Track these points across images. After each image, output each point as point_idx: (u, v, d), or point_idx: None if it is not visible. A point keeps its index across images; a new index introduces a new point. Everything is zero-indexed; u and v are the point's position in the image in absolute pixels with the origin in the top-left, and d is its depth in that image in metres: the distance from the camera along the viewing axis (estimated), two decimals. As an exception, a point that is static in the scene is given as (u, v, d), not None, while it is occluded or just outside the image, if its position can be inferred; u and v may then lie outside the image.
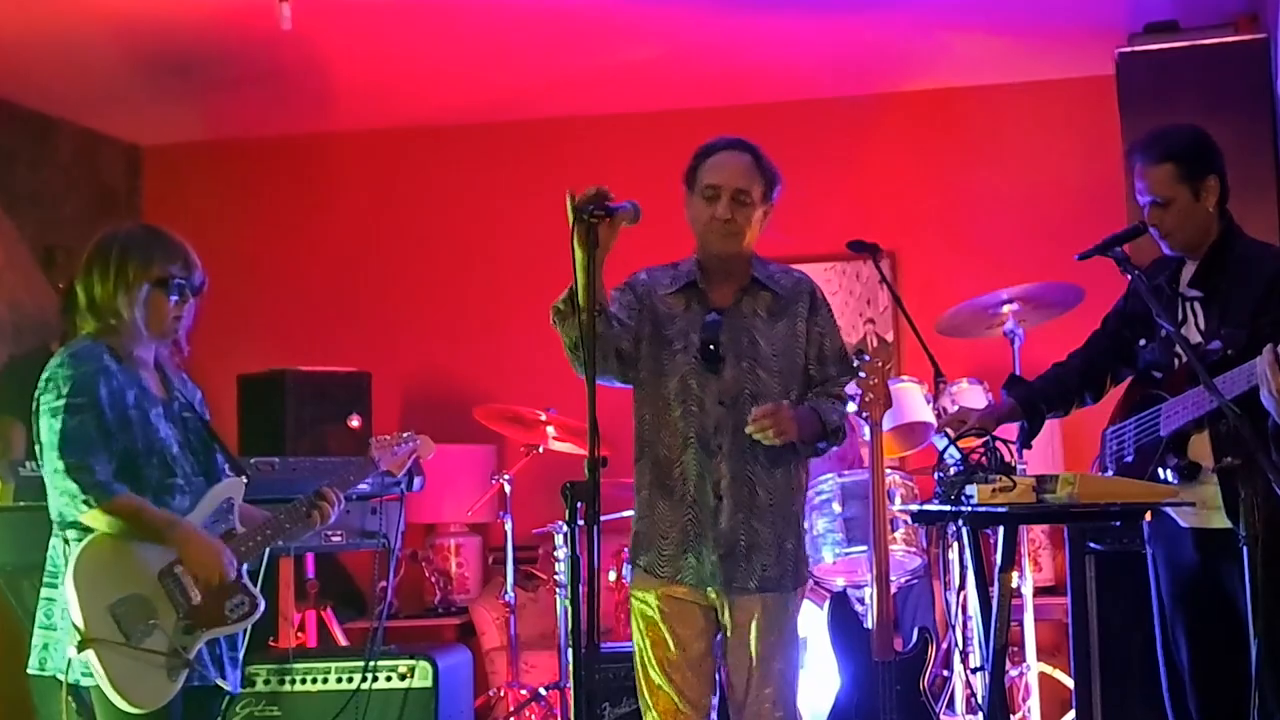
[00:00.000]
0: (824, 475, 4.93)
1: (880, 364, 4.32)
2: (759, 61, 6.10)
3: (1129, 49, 4.98)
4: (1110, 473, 3.44)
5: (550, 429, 5.44)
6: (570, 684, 5.10)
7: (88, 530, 3.09)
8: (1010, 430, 3.66)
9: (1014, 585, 4.30)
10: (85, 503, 3.01)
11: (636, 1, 5.52)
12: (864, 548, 4.71)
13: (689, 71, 6.15)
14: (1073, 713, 4.47)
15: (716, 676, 3.39)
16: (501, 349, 6.77)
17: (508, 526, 5.52)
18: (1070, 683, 5.01)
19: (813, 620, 4.43)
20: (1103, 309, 5.04)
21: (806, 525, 3.85)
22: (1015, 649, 5.00)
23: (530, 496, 5.77)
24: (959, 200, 6.56)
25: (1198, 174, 3.34)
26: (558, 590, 5.30)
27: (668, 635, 3.32)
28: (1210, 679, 3.40)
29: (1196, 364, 3.11)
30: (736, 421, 3.27)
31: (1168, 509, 3.40)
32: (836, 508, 4.83)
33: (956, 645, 4.92)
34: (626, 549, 3.49)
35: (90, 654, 2.99)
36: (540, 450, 5.53)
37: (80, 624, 3.00)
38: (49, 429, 3.06)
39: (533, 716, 5.47)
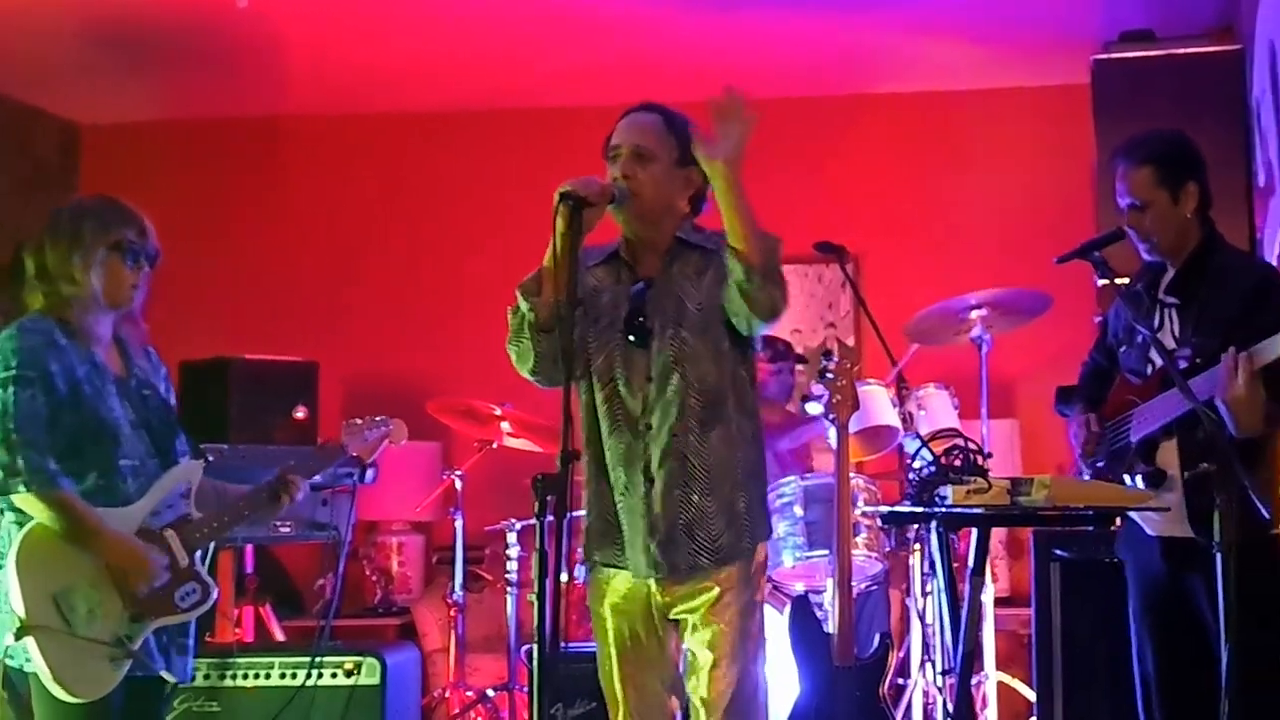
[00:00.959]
0: (786, 478, 4.94)
1: (848, 365, 4.37)
2: (729, 59, 6.11)
3: (1104, 56, 5.05)
4: (1086, 476, 3.47)
5: (505, 424, 5.40)
6: (519, 686, 5.16)
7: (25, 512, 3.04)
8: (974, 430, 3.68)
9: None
10: (25, 484, 2.96)
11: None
12: (825, 552, 4.72)
13: (660, 67, 6.15)
14: (1035, 720, 4.50)
15: (678, 668, 3.33)
16: (453, 343, 6.72)
17: (458, 524, 5.47)
18: (1029, 693, 5.09)
19: (773, 624, 4.45)
20: (1071, 318, 5.14)
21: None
22: (971, 658, 5.03)
23: (480, 494, 5.74)
24: (926, 205, 6.62)
25: (1177, 178, 3.37)
26: (508, 590, 5.26)
27: (624, 629, 3.23)
28: (1177, 689, 3.43)
29: (1171, 366, 3.15)
30: (664, 396, 3.15)
31: (1135, 516, 3.44)
32: (798, 511, 4.84)
33: (915, 652, 4.97)
34: (580, 548, 3.37)
35: (30, 641, 2.94)
36: (494, 446, 5.49)
37: (21, 610, 2.95)
38: None
39: (479, 718, 5.44)
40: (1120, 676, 3.62)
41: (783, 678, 4.30)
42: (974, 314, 4.86)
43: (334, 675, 4.06)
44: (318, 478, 4.16)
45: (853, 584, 4.32)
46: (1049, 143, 6.34)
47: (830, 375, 4.31)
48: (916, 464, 3.51)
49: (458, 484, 5.51)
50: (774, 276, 3.06)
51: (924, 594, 4.95)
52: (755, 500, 3.23)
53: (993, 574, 5.62)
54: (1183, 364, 3.24)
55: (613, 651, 3.25)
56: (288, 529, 4.37)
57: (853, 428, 4.38)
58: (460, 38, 6.11)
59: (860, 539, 4.73)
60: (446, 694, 5.41)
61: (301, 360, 5.59)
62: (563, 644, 2.84)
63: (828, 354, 4.38)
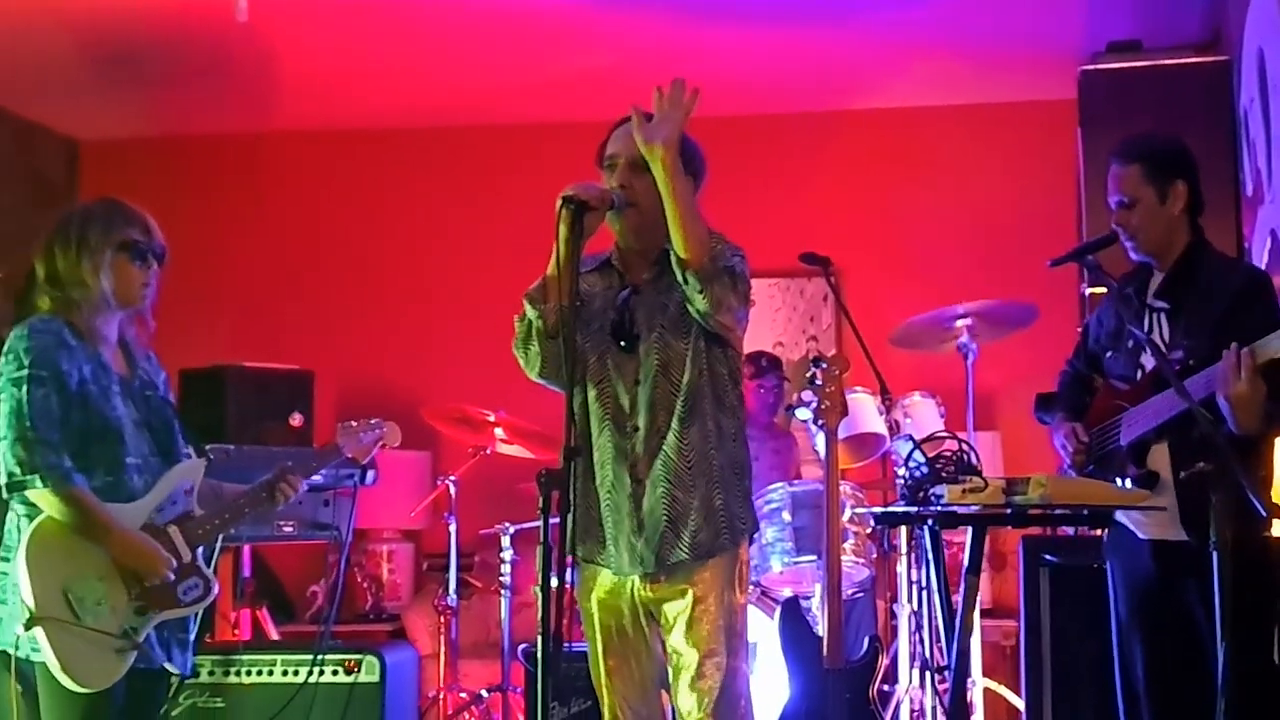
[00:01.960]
0: (774, 484, 4.90)
1: (836, 372, 4.32)
2: (711, 74, 5.98)
3: (1091, 66, 5.02)
4: (1073, 480, 3.42)
5: (499, 430, 5.34)
6: (512, 687, 5.08)
7: (36, 506, 3.01)
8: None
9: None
10: (42, 479, 2.95)
11: (590, 8, 5.49)
12: (813, 557, 4.68)
13: (639, 82, 6.09)
14: (1022, 725, 4.45)
15: (662, 666, 3.27)
16: (446, 351, 6.75)
17: (452, 528, 5.41)
18: (1015, 699, 5.03)
19: (762, 628, 4.39)
20: (1055, 330, 5.11)
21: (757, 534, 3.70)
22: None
23: (472, 501, 5.67)
24: (907, 221, 6.62)
25: (1165, 177, 3.33)
26: (502, 592, 5.19)
27: (610, 622, 3.20)
28: (1165, 693, 3.37)
29: (1166, 367, 3.10)
30: (651, 399, 3.14)
31: (1125, 521, 3.39)
32: (786, 517, 4.79)
33: (902, 656, 4.91)
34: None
35: (39, 632, 2.92)
36: (488, 452, 5.43)
37: (30, 602, 2.94)
38: (9, 398, 3.00)
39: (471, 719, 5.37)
40: (1109, 682, 3.55)
41: (773, 681, 4.24)
42: (960, 323, 4.82)
43: (335, 673, 4.04)
44: (318, 478, 4.15)
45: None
46: (1031, 159, 6.35)
47: (819, 382, 4.27)
48: (909, 466, 3.45)
49: (451, 489, 5.44)
50: (713, 274, 3.02)
51: (909, 601, 4.90)
52: (735, 498, 3.19)
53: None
54: (1175, 365, 3.19)
55: (599, 645, 3.21)
56: (291, 528, 4.34)
57: (840, 435, 4.34)
58: (450, 55, 6.12)
59: (848, 545, 4.69)
60: (441, 695, 5.34)
61: (298, 369, 5.54)
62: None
63: (817, 360, 4.34)
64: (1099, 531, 3.87)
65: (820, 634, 4.22)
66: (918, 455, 3.47)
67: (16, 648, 2.98)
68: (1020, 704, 4.58)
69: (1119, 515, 3.36)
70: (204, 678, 4.05)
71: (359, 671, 4.00)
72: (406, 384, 6.34)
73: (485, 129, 6.93)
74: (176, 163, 7.05)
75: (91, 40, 5.88)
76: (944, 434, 3.48)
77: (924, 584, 4.79)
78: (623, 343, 3.17)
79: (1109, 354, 3.50)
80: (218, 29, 5.68)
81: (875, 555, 5.01)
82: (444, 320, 6.86)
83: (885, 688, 4.91)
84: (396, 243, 7.04)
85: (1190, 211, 3.37)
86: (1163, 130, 3.63)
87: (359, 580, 6.47)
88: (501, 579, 5.24)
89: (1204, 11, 5.25)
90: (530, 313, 3.11)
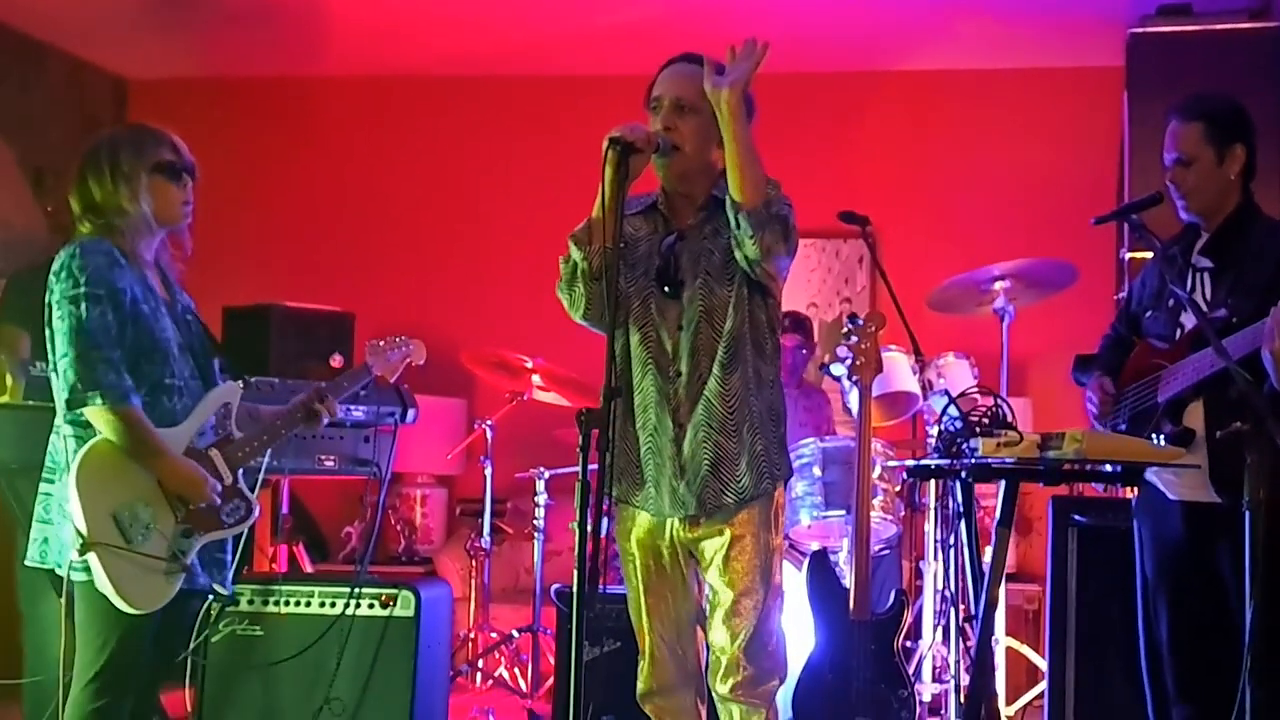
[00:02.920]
0: (805, 439, 4.88)
1: (873, 329, 4.30)
2: (759, 30, 5.96)
3: (1140, 29, 4.92)
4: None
5: (536, 377, 5.34)
6: (543, 629, 5.11)
7: (86, 428, 3.02)
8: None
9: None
10: (100, 396, 2.94)
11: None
12: (841, 512, 4.67)
13: (686, 35, 6.05)
14: (1043, 684, 4.43)
15: (699, 604, 3.28)
16: (484, 298, 6.77)
17: (487, 471, 5.42)
18: (1037, 659, 5.03)
19: (790, 579, 4.39)
20: (1095, 291, 5.05)
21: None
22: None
23: (506, 447, 5.69)
24: (946, 183, 6.56)
25: (1225, 138, 3.30)
26: (535, 535, 5.21)
27: (649, 561, 3.21)
28: (1190, 653, 3.36)
29: (1206, 325, 3.07)
30: (694, 344, 3.13)
31: (1155, 481, 3.37)
32: (816, 471, 4.78)
33: (927, 614, 4.90)
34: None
35: (92, 556, 2.94)
36: (525, 398, 5.43)
37: (83, 527, 2.94)
38: (68, 315, 2.98)
39: (501, 659, 5.40)
40: (1133, 642, 3.54)
41: (799, 631, 4.24)
42: (998, 285, 4.76)
43: (370, 606, 4.04)
44: (360, 414, 4.18)
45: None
46: (1074, 124, 6.28)
47: (855, 338, 4.25)
48: (943, 420, 3.42)
49: (488, 434, 5.45)
50: (766, 219, 3.01)
51: (935, 559, 4.89)
52: (773, 442, 3.20)
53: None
54: (1218, 324, 3.16)
55: (639, 583, 3.23)
56: (332, 463, 4.35)
57: (874, 392, 4.32)
58: (500, 3, 6.06)
59: (877, 501, 4.68)
60: (472, 635, 5.37)
61: (339, 310, 5.55)
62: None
63: (853, 317, 4.32)
64: (1129, 492, 3.86)
65: (847, 586, 4.23)
66: (952, 409, 3.45)
67: (72, 568, 2.99)
68: (1043, 664, 4.58)
69: (1150, 475, 3.34)
70: (243, 606, 4.07)
71: (394, 605, 4.00)
72: (445, 329, 6.31)
73: (531, 79, 6.91)
74: (224, 103, 7.05)
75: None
76: (980, 389, 3.44)
77: (951, 541, 4.77)
78: (667, 288, 3.16)
79: (1149, 313, 3.48)
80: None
81: (903, 513, 5.00)
82: (484, 267, 6.88)
83: (908, 644, 4.91)
84: (439, 189, 7.05)
85: (1244, 175, 3.34)
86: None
87: (392, 523, 6.50)
88: (535, 523, 5.25)
89: (1257, -26, 5.15)
90: (575, 254, 3.10)
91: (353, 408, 4.25)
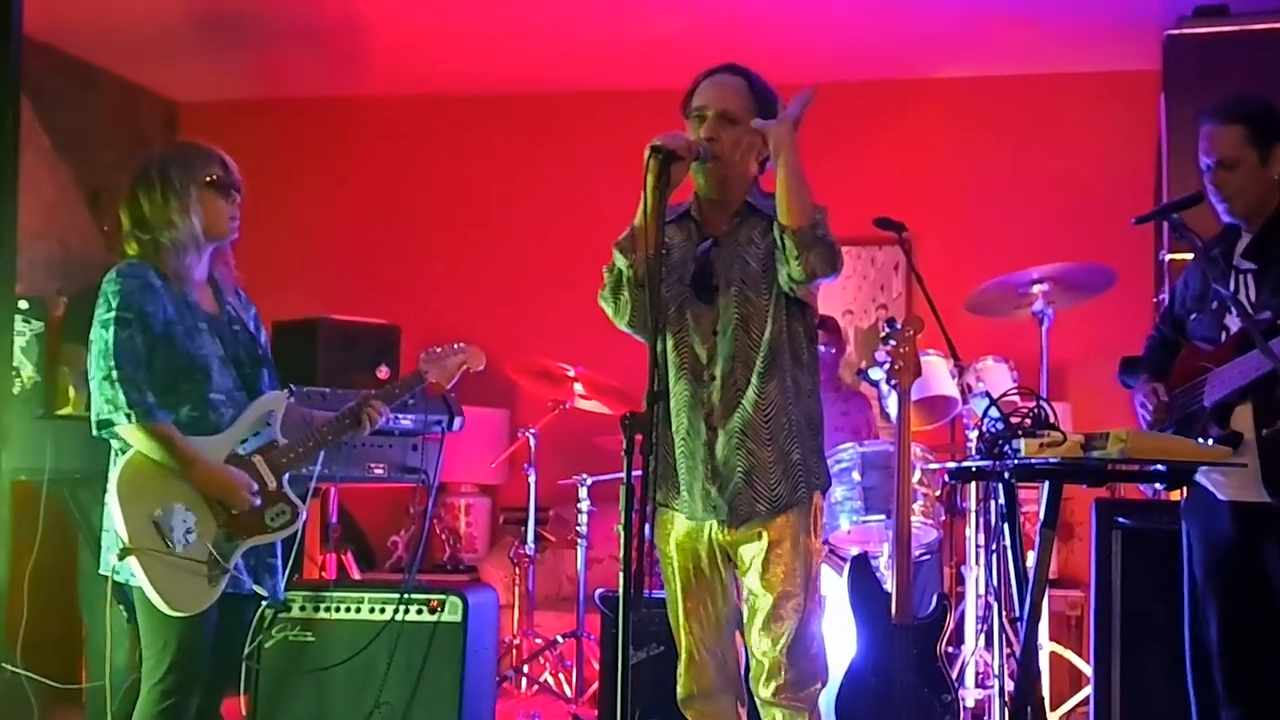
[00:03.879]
0: (844, 444, 4.83)
1: (911, 333, 4.25)
2: (789, 40, 6.00)
3: (1177, 31, 4.82)
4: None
5: (578, 385, 5.32)
6: (586, 634, 5.07)
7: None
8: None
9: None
10: (128, 415, 2.99)
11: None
12: (881, 516, 4.62)
13: (713, 48, 6.04)
14: (1088, 689, 4.36)
15: (738, 608, 3.23)
16: (525, 310, 6.78)
17: (531, 479, 5.40)
18: (1081, 664, 4.94)
19: (831, 583, 4.33)
20: (1133, 295, 4.96)
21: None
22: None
23: (548, 456, 5.67)
24: (981, 190, 6.49)
25: (1268, 139, 3.24)
26: (579, 541, 5.18)
27: (688, 564, 3.18)
28: (1239, 655, 3.29)
29: (1252, 326, 3.01)
30: (729, 350, 3.11)
31: (1205, 482, 3.30)
32: (856, 476, 4.73)
33: (969, 619, 4.83)
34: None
35: (132, 560, 2.98)
36: (567, 406, 5.41)
37: (124, 533, 2.99)
38: (99, 338, 3.06)
39: (546, 665, 5.37)
40: (1178, 646, 3.46)
41: (841, 636, 4.19)
42: (1036, 288, 4.69)
43: (419, 611, 4.04)
44: (408, 423, 4.17)
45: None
46: (1110, 128, 6.20)
47: (893, 342, 4.20)
48: (985, 421, 3.36)
49: (531, 442, 5.43)
50: (812, 241, 2.99)
51: (976, 564, 4.81)
52: (810, 451, 3.16)
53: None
54: (1263, 324, 3.09)
55: (677, 586, 3.19)
56: (381, 470, 4.37)
57: (912, 396, 4.26)
58: (534, 23, 6.08)
59: (917, 506, 4.61)
60: (517, 640, 5.35)
61: (385, 323, 5.56)
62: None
63: (891, 321, 4.27)
64: (1174, 495, 3.79)
65: (889, 590, 4.17)
66: (994, 411, 3.39)
67: (116, 573, 3.05)
68: (1087, 669, 4.49)
69: (1199, 476, 3.27)
70: (295, 612, 4.09)
71: (442, 611, 4.00)
72: (488, 340, 6.16)
73: (564, 95, 6.92)
74: (270, 124, 7.09)
75: (191, 4, 5.91)
76: (1021, 389, 3.39)
77: (993, 545, 4.69)
78: (701, 294, 3.14)
79: (1193, 316, 3.41)
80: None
81: (943, 518, 4.93)
82: (525, 278, 6.88)
83: (950, 649, 4.84)
84: (481, 204, 7.07)
85: None
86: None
87: (437, 532, 6.50)
88: (578, 529, 5.22)
89: (1295, -26, 5.04)
90: (620, 262, 3.08)
91: (400, 416, 4.25)
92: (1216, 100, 3.32)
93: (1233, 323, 3.24)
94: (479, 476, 6.46)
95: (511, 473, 6.28)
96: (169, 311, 3.10)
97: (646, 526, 2.88)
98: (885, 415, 4.96)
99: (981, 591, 4.83)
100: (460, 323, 6.67)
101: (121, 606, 3.18)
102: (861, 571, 4.26)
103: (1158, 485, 3.45)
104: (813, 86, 3.05)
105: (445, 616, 4.00)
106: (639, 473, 2.71)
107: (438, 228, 7.10)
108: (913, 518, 4.44)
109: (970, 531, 4.87)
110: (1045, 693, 4.71)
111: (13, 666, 3.99)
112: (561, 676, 5.39)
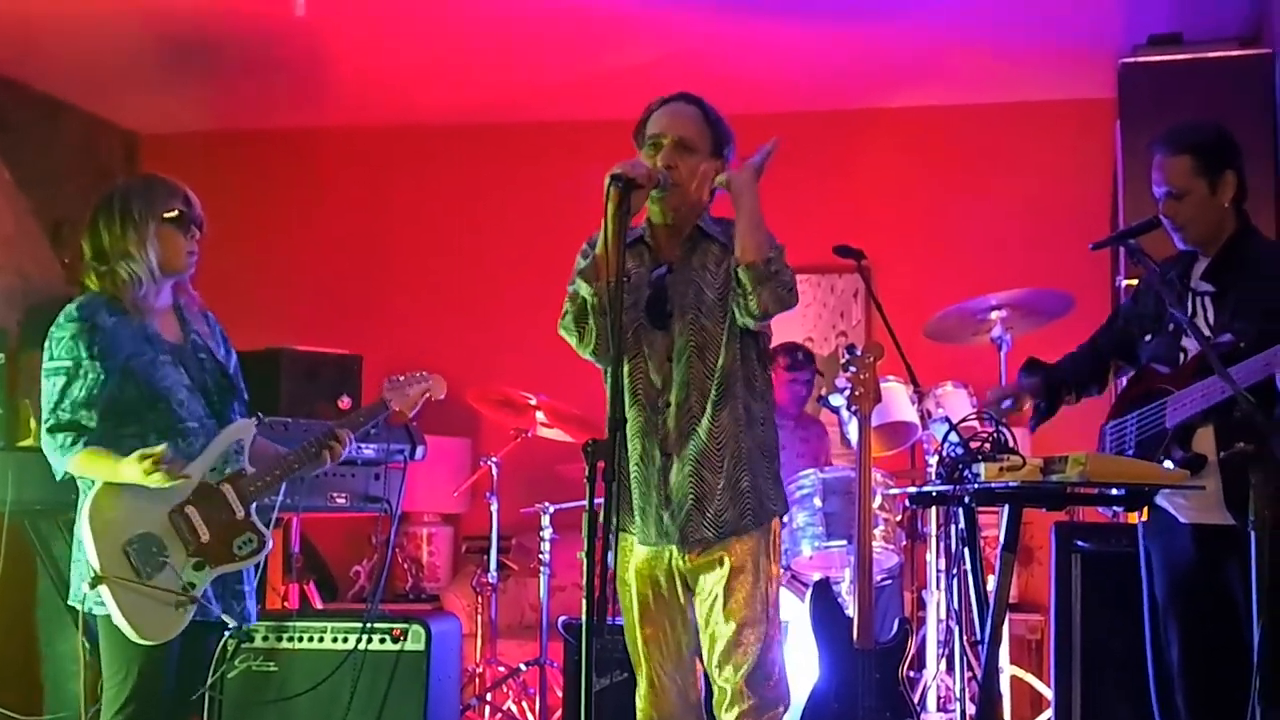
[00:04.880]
0: (805, 470, 4.81)
1: (871, 359, 4.24)
2: (751, 69, 6.01)
3: (1131, 59, 4.83)
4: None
5: (540, 414, 5.27)
6: (550, 662, 5.01)
7: None
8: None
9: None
10: (62, 455, 3.05)
11: (631, 5, 5.43)
12: (843, 542, 4.59)
13: (679, 78, 6.04)
14: (1048, 713, 4.33)
15: (697, 633, 3.18)
16: (486, 339, 6.73)
17: (493, 507, 5.33)
18: (1042, 687, 4.91)
19: (793, 611, 4.30)
20: (1091, 320, 4.92)
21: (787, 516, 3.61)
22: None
23: (510, 484, 5.61)
24: (939, 214, 6.52)
25: (1216, 168, 3.23)
26: (542, 570, 5.12)
27: (646, 590, 3.14)
28: (1201, 676, 3.26)
29: (1210, 354, 3.00)
30: (683, 376, 3.09)
31: (1166, 505, 3.28)
32: (817, 502, 4.71)
33: (930, 643, 4.81)
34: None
35: (103, 589, 2.96)
36: (529, 435, 5.36)
37: (95, 562, 2.97)
38: (44, 389, 3.09)
39: (509, 693, 5.29)
40: (1139, 668, 3.44)
41: (803, 661, 4.15)
42: (995, 314, 4.70)
43: (382, 641, 4.01)
44: (370, 452, 4.12)
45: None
46: (1066, 155, 6.24)
47: (853, 369, 4.19)
48: (945, 446, 3.35)
49: (493, 470, 5.37)
50: (766, 276, 2.99)
51: (938, 588, 4.79)
52: (764, 479, 3.14)
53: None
54: (1224, 348, 3.07)
55: (635, 613, 3.16)
56: (343, 500, 4.33)
57: (873, 422, 4.25)
58: (496, 53, 6.07)
59: (878, 531, 4.60)
60: (480, 669, 5.28)
61: (346, 353, 5.50)
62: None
63: (851, 348, 4.27)
64: (1133, 518, 3.77)
65: (850, 615, 4.14)
66: (954, 436, 3.38)
67: (82, 603, 3.03)
68: (1048, 692, 4.47)
69: (1160, 499, 3.25)
70: (258, 642, 4.05)
71: (405, 640, 3.96)
72: (450, 368, 6.19)
73: (527, 126, 6.91)
74: (233, 155, 7.04)
75: (152, 36, 5.86)
76: (981, 413, 3.37)
77: (954, 570, 4.67)
78: (656, 321, 3.13)
79: (1147, 337, 3.40)
80: (275, 25, 5.66)
81: (904, 542, 4.91)
82: (487, 308, 6.85)
83: (912, 674, 4.81)
84: (442, 234, 7.04)
85: (1237, 200, 3.27)
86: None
87: (399, 561, 6.43)
88: (541, 557, 5.16)
89: (1246, 3, 5.08)
90: (584, 291, 3.06)
91: (363, 445, 4.21)
92: (1168, 128, 3.31)
93: (1190, 345, 3.23)
94: (441, 505, 6.40)
95: (474, 501, 6.22)
96: (125, 345, 3.08)
97: (609, 554, 2.87)
98: (846, 441, 4.95)
99: (943, 616, 4.81)
100: (422, 352, 6.60)
101: (83, 638, 3.18)
102: (823, 597, 4.24)
103: (1116, 509, 3.42)
104: (773, 140, 3.09)
105: (408, 645, 3.97)
106: (601, 500, 2.68)
107: (399, 258, 7.06)
108: (874, 543, 4.43)
109: (931, 556, 4.86)
110: (1006, 716, 4.72)
111: (-28, 698, 3.91)
112: (525, 705, 5.31)
